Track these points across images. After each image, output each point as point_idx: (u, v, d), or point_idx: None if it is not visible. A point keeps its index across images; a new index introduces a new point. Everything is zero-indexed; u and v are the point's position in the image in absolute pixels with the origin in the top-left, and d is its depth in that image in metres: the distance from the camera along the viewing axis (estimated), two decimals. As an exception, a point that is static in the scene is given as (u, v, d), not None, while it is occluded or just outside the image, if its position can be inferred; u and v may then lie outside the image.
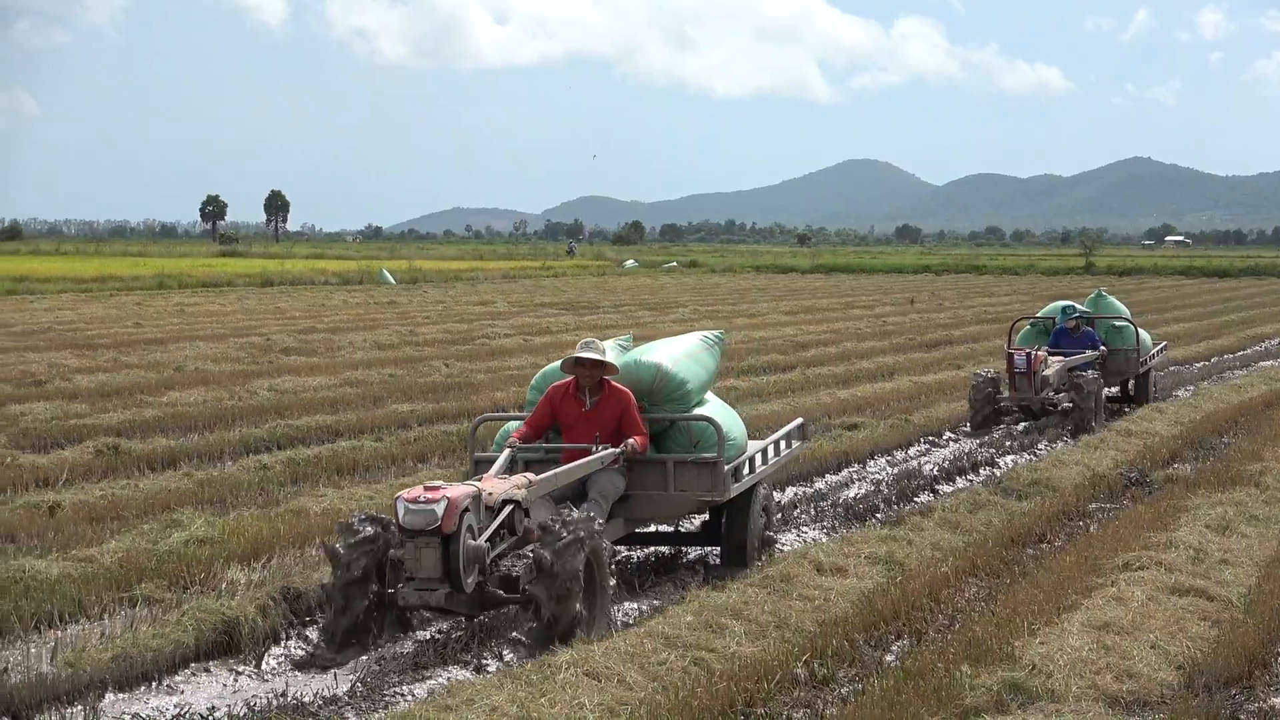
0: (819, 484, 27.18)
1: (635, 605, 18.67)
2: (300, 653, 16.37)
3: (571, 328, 63.02)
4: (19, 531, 21.09)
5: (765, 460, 20.65)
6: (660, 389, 19.22)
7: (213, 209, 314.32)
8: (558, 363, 19.59)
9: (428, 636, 17.45)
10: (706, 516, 21.14)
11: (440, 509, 15.16)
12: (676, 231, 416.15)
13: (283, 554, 19.80)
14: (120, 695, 15.16)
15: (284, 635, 17.02)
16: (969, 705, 13.19)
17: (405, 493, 15.67)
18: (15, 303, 79.29)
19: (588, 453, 18.25)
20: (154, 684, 15.56)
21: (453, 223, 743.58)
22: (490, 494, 16.40)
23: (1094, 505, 24.64)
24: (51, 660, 15.46)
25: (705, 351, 20.55)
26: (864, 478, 28.15)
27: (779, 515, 24.15)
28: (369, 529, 16.01)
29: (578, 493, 18.18)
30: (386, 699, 14.86)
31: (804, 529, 23.36)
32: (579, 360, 18.49)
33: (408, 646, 17.12)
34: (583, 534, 15.76)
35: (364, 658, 15.92)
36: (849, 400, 37.89)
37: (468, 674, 15.15)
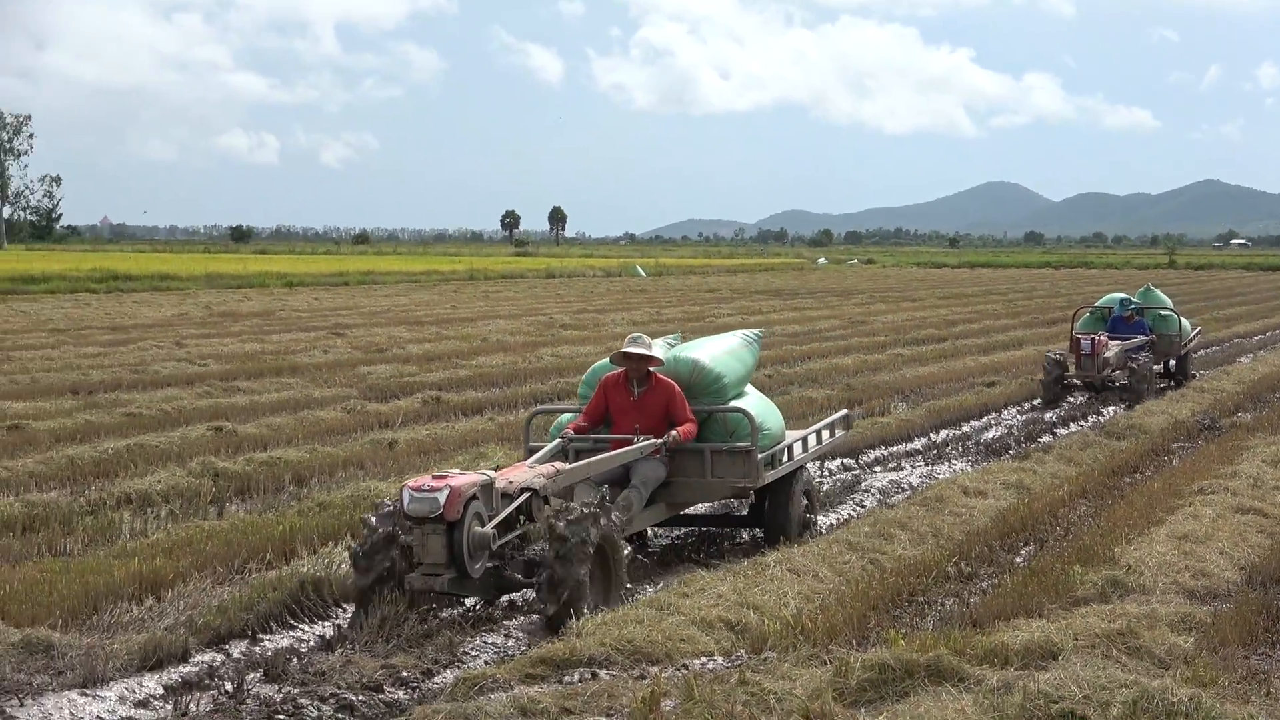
0: (965, 428, 26.98)
1: (825, 519, 18.65)
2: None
3: (778, 309, 62.83)
4: (366, 461, 21.24)
5: (805, 448, 17.71)
6: (698, 383, 16.56)
7: (510, 220, 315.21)
8: (607, 359, 17.11)
9: (667, 541, 17.52)
10: (753, 501, 17.99)
11: (442, 497, 12.77)
12: (857, 236, 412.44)
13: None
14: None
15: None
16: (1079, 596, 13.05)
17: (411, 480, 13.31)
18: (363, 291, 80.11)
19: (629, 443, 15.83)
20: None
21: (689, 230, 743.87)
22: (510, 482, 13.98)
23: (1176, 444, 24.27)
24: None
25: (744, 349, 17.93)
26: (999, 423, 27.93)
27: (934, 452, 24.04)
28: (383, 528, 13.24)
29: (622, 479, 15.79)
30: (644, 587, 14.93)
31: (954, 461, 23.18)
32: (627, 354, 16.04)
33: (655, 548, 17.19)
34: (591, 534, 13.18)
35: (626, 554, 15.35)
36: (988, 364, 37.62)
37: (700, 570, 15.13)
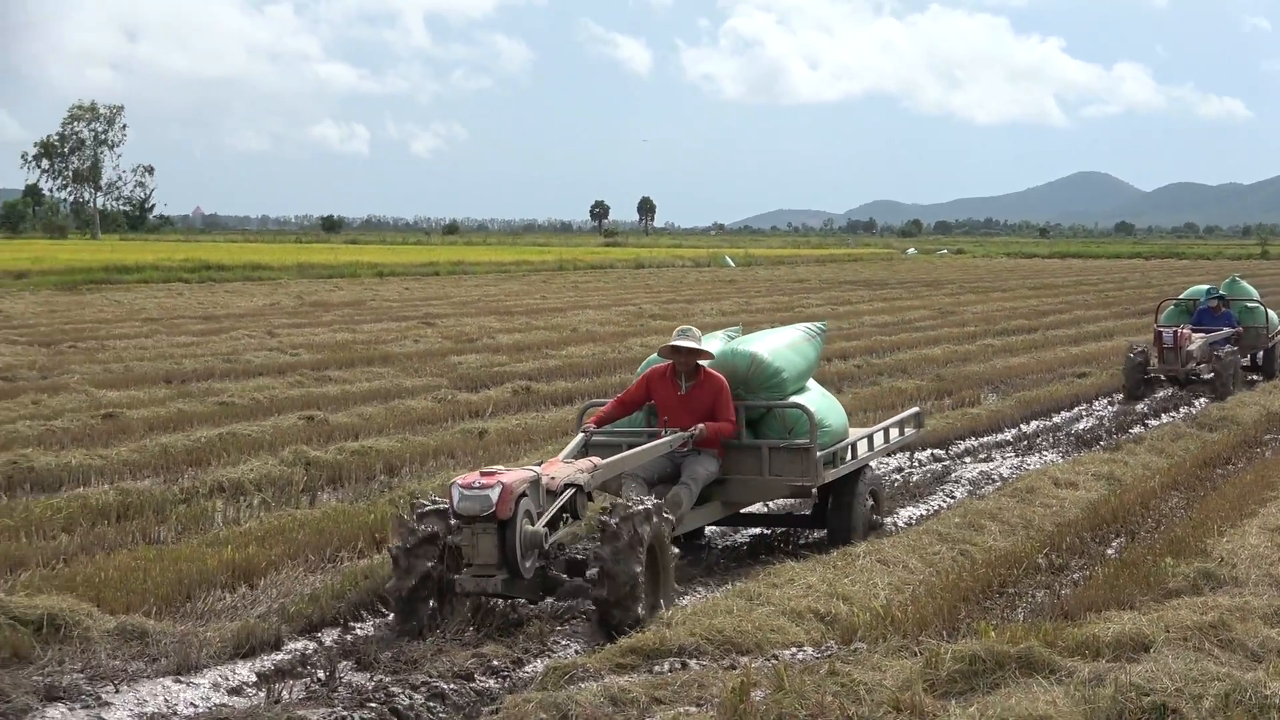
0: (1055, 419, 26.87)
1: (913, 510, 18.60)
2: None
3: (867, 299, 62.66)
4: (457, 450, 21.30)
5: (871, 446, 16.94)
6: (755, 377, 15.60)
7: (599, 210, 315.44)
8: (656, 353, 16.14)
9: (756, 533, 17.49)
10: (816, 500, 16.68)
11: (495, 494, 12.12)
12: (947, 226, 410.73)
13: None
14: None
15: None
16: (1171, 588, 12.95)
17: (461, 478, 12.60)
18: (454, 281, 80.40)
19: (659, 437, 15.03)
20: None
21: (777, 220, 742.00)
22: (553, 478, 13.27)
23: (1269, 436, 24.09)
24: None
25: (806, 343, 16.88)
26: (1090, 414, 27.79)
27: (1024, 443, 23.92)
28: (425, 528, 12.64)
29: (672, 475, 15.06)
30: (732, 575, 14.93)
31: (1044, 452, 23.06)
32: (675, 348, 15.15)
33: (744, 538, 17.16)
34: (644, 532, 12.53)
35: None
36: (1079, 354, 37.47)
37: (790, 560, 15.11)
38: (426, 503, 13.02)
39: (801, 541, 17.19)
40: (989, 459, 22.62)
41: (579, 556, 13.27)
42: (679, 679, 10.33)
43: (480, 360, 33.86)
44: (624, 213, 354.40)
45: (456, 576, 12.55)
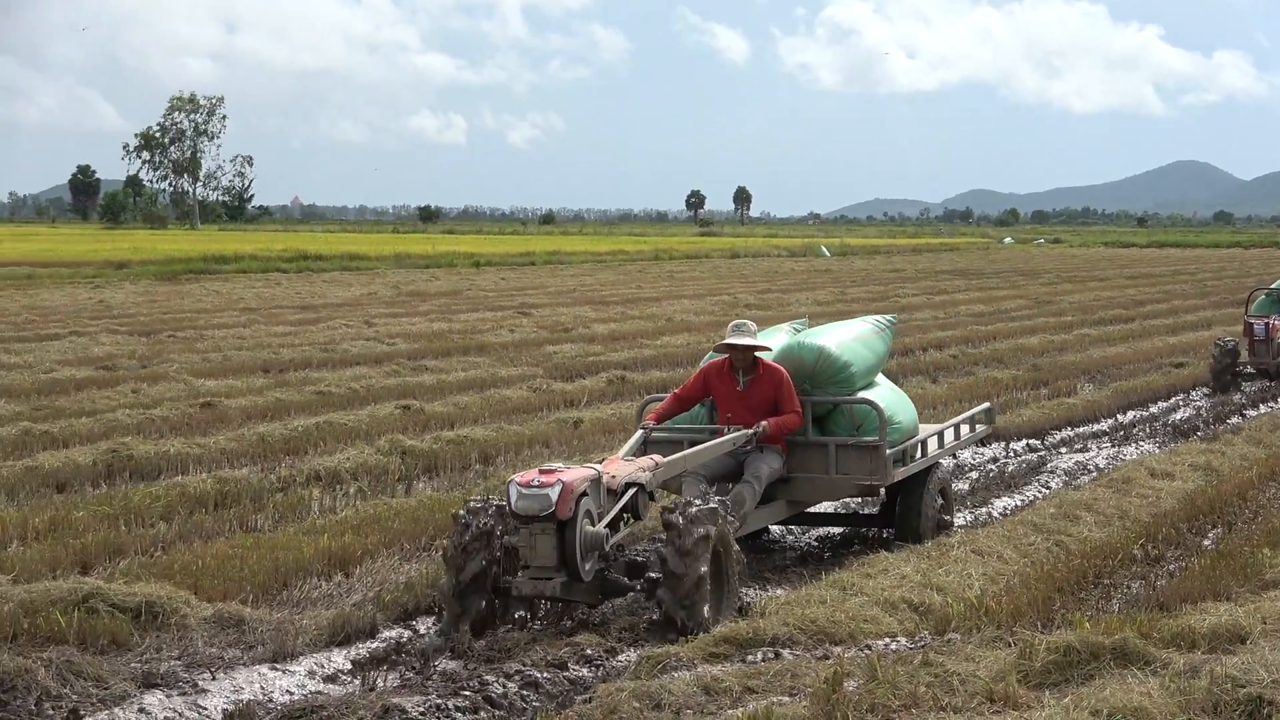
0: (1153, 409, 26.65)
1: (1009, 500, 18.49)
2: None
3: (963, 288, 62.36)
4: (552, 439, 21.34)
5: (941, 444, 16.14)
6: (822, 371, 14.74)
7: (694, 200, 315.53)
8: (716, 350, 15.47)
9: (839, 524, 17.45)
10: (884, 499, 16.43)
11: (555, 493, 11.47)
12: (1044, 216, 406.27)
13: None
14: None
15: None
16: (1268, 579, 12.83)
17: (519, 476, 11.92)
18: (549, 271, 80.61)
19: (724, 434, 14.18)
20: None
21: (873, 209, 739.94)
22: (614, 476, 12.60)
23: (1370, 427, 23.84)
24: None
25: (875, 336, 15.97)
26: (1187, 404, 27.57)
27: (1120, 433, 23.76)
28: (480, 522, 12.02)
29: (734, 473, 14.42)
30: (826, 566, 14.87)
31: (1141, 443, 22.88)
32: (731, 345, 14.37)
33: (836, 531, 17.11)
34: (709, 531, 11.88)
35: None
36: (1176, 344, 37.16)
37: (883, 551, 15.06)
38: (481, 499, 12.47)
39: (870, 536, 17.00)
40: (1085, 449, 22.42)
41: (639, 559, 12.72)
42: (772, 669, 10.33)
43: (575, 350, 33.94)
44: (720, 203, 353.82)
45: (512, 579, 11.99)
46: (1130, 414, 25.99)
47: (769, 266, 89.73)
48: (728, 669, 10.35)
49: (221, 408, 23.96)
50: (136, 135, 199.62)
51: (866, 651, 10.84)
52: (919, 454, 15.43)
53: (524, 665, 11.13)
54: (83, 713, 10.09)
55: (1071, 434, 23.87)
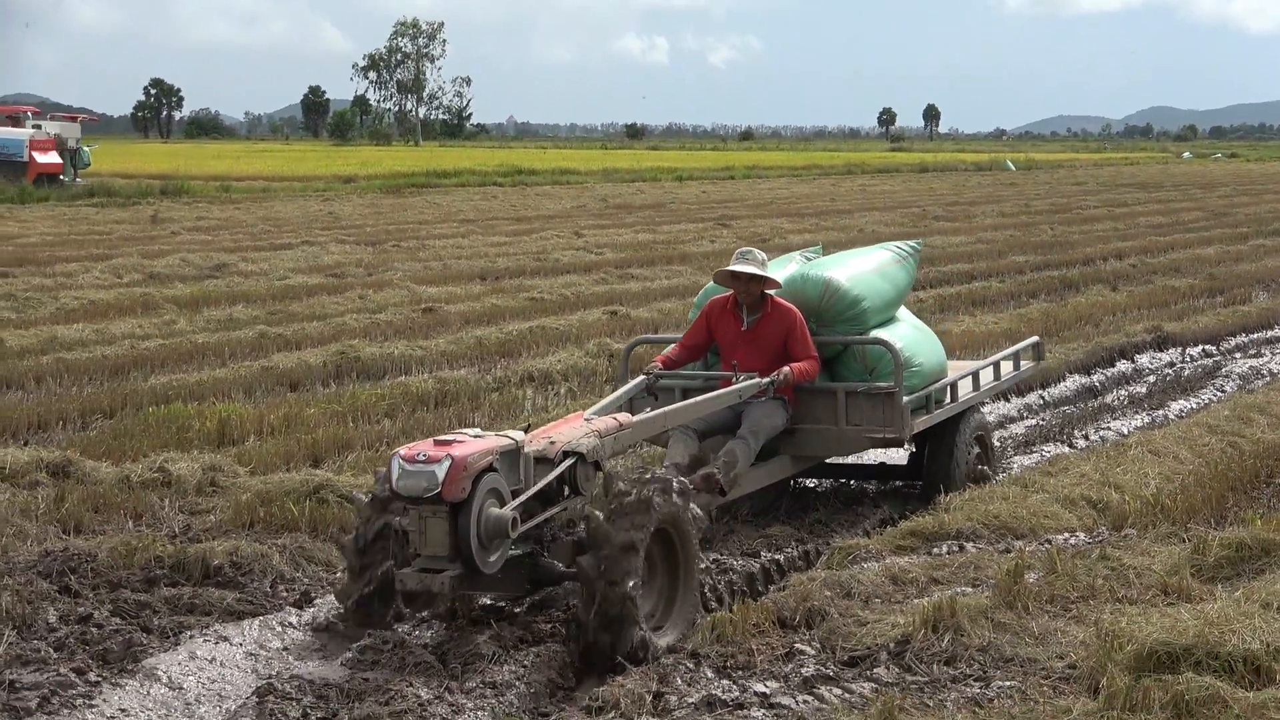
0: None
1: (1184, 403, 18.22)
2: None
3: (1142, 201, 61.29)
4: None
5: (976, 386, 13.12)
6: (830, 307, 11.85)
7: (886, 117, 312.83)
8: (717, 281, 12.47)
9: (1034, 423, 17.27)
10: (913, 449, 13.49)
11: (441, 470, 8.55)
12: (1221, 131, 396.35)
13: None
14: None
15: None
16: None
17: (405, 447, 8.95)
18: (748, 184, 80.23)
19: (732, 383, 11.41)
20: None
21: (1057, 126, 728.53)
22: (552, 443, 9.50)
23: None
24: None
25: (896, 265, 12.91)
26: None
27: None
28: (377, 516, 9.37)
29: (730, 425, 11.48)
30: (1006, 464, 14.76)
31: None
32: (733, 274, 11.51)
33: (1020, 428, 16.93)
34: (654, 496, 8.91)
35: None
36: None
37: (1064, 448, 14.94)
38: (382, 486, 9.39)
39: (1102, 426, 16.82)
40: (1259, 355, 22.04)
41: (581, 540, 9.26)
42: (956, 561, 10.32)
43: None
44: (910, 119, 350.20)
45: (400, 571, 8.98)
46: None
47: (956, 180, 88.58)
48: (914, 560, 10.35)
49: (441, 313, 24.22)
50: (364, 57, 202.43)
51: (1046, 545, 10.75)
52: (947, 399, 12.59)
53: (720, 554, 11.19)
54: (313, 595, 10.30)
55: (1246, 340, 23.45)
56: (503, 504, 8.92)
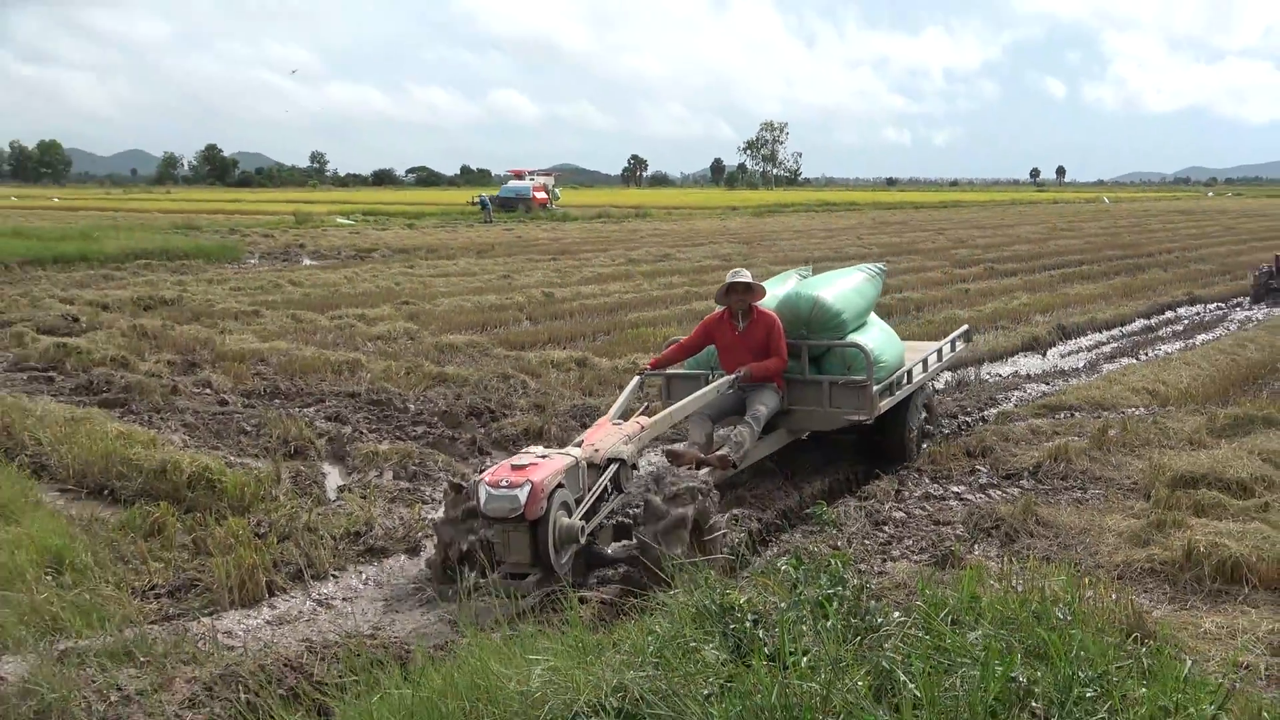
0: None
1: (1205, 336, 17.00)
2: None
3: (1182, 221, 57.19)
4: (953, 299, 20.05)
5: (925, 369, 9.87)
6: (817, 319, 8.84)
7: (1034, 172, 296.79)
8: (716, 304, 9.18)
9: (1117, 345, 16.39)
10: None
11: (523, 494, 5.99)
12: (1232, 181, 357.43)
13: None
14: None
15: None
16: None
17: (488, 473, 6.22)
18: (953, 211, 76.42)
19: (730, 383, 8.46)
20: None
21: (1133, 176, 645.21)
22: (596, 450, 6.80)
23: None
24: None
25: (867, 283, 9.75)
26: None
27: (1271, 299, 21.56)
28: (464, 505, 6.49)
29: (737, 408, 8.57)
30: (1097, 368, 14.08)
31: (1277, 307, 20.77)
32: (731, 286, 8.48)
33: (1107, 349, 16.09)
34: (695, 486, 6.52)
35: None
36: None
37: (1133, 360, 14.22)
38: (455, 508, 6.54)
39: (1156, 344, 15.63)
40: (1250, 310, 20.42)
41: (627, 521, 6.72)
42: (1069, 423, 10.04)
43: (966, 253, 32.02)
44: (1048, 172, 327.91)
45: (491, 576, 6.14)
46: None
47: (1073, 209, 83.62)
48: (1045, 422, 10.07)
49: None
50: (744, 142, 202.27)
51: (1122, 414, 10.35)
52: (906, 381, 9.50)
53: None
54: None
55: (1242, 300, 21.71)
56: (570, 513, 6.33)
